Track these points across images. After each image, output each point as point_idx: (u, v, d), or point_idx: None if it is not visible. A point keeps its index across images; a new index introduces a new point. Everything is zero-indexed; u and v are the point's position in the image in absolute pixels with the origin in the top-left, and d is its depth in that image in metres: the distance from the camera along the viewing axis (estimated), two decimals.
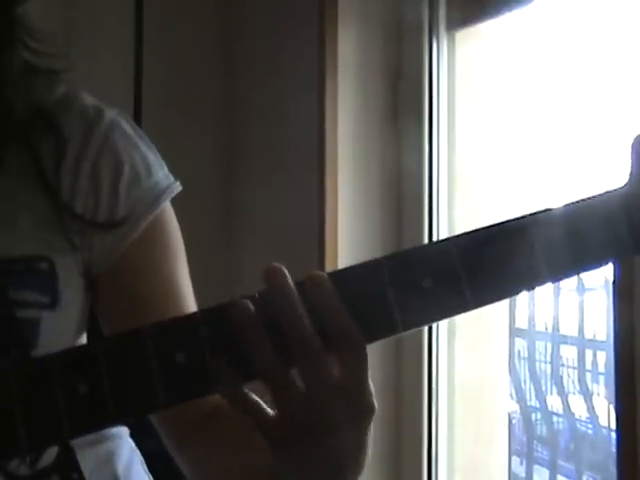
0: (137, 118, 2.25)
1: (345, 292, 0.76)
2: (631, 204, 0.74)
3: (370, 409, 0.77)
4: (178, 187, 1.05)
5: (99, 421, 0.80)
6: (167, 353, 0.77)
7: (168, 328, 0.79)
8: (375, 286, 0.76)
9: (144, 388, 0.78)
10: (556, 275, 0.75)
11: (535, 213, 0.76)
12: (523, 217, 0.76)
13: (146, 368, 0.77)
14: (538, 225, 0.75)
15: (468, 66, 2.00)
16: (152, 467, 1.10)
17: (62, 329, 0.97)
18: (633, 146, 0.74)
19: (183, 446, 1.01)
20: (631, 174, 0.74)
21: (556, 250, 0.74)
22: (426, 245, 0.80)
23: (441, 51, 1.96)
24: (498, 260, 0.75)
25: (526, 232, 0.75)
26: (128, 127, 1.04)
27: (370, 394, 0.77)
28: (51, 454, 0.89)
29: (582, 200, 0.75)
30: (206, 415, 0.96)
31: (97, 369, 0.78)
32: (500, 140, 2.03)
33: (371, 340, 0.77)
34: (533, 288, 0.76)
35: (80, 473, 0.90)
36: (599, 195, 0.75)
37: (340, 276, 0.78)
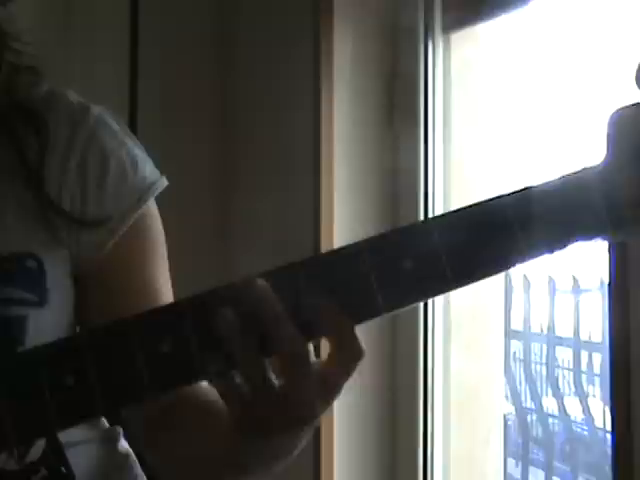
0: (133, 123, 2.25)
1: (326, 275, 0.77)
2: (607, 181, 0.74)
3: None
4: (165, 182, 1.05)
5: (86, 412, 0.79)
6: (153, 343, 0.77)
7: (154, 317, 0.79)
8: (356, 268, 0.76)
9: (130, 378, 0.78)
10: (535, 253, 0.76)
11: (513, 192, 0.76)
12: (502, 196, 0.77)
13: (132, 358, 0.77)
14: (516, 204, 0.76)
15: (464, 68, 2.00)
16: (146, 468, 1.10)
17: (50, 326, 0.96)
18: (609, 123, 0.74)
19: (149, 433, 1.01)
20: (607, 151, 0.75)
21: (536, 227, 0.75)
22: (407, 226, 0.79)
23: (437, 53, 1.96)
24: (477, 240, 0.76)
25: (505, 211, 0.76)
26: (113, 123, 1.05)
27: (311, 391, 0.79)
28: (39, 448, 0.89)
29: (559, 178, 0.76)
30: (173, 403, 0.97)
31: (83, 360, 0.78)
32: (496, 141, 2.03)
33: (354, 323, 0.77)
34: (512, 267, 0.76)
35: (68, 467, 0.90)
36: (576, 172, 0.76)
37: (321, 260, 0.78)
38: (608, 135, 0.74)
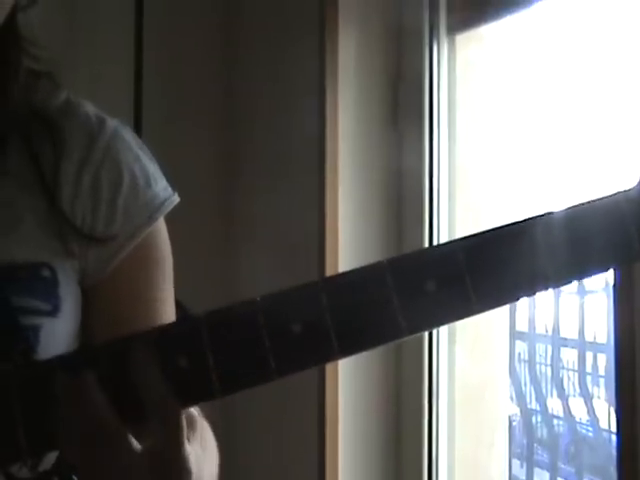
0: (137, 124, 2.25)
1: (347, 296, 0.76)
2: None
3: (186, 473, 0.79)
4: (176, 199, 1.05)
5: None
6: (169, 357, 0.77)
7: (169, 332, 0.79)
8: (378, 290, 0.75)
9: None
10: (564, 279, 0.74)
11: (542, 215, 0.75)
12: (530, 219, 0.75)
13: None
14: (545, 227, 0.74)
15: (468, 69, 2.00)
16: None
17: (63, 336, 0.97)
18: None
19: None
20: None
21: (564, 253, 0.73)
22: (430, 248, 0.79)
23: (441, 54, 1.96)
24: (505, 263, 0.74)
25: (534, 234, 0.74)
26: (129, 137, 1.04)
27: (185, 460, 0.78)
28: (52, 457, 0.89)
29: (590, 202, 0.74)
30: None
31: (97, 373, 0.77)
32: (500, 143, 2.03)
33: (375, 345, 0.76)
34: (540, 292, 0.75)
35: None
36: (607, 197, 0.74)
37: (342, 279, 0.78)
38: None
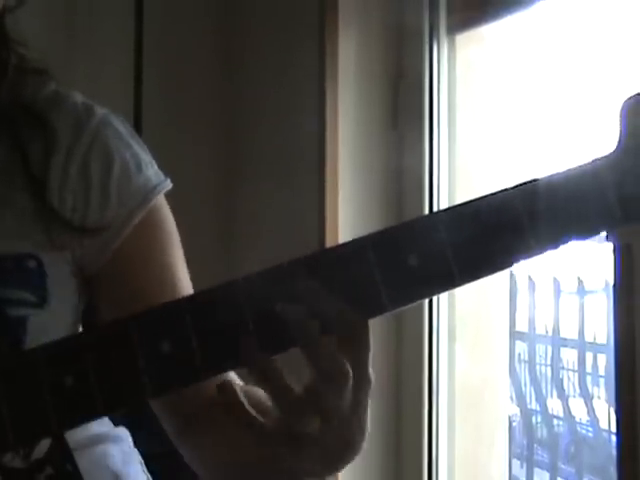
0: (137, 125, 2.25)
1: (330, 272, 0.76)
2: (619, 171, 0.73)
3: (369, 383, 0.77)
4: (169, 184, 1.05)
5: (86, 414, 0.79)
6: (152, 343, 0.77)
7: (152, 317, 0.78)
8: (360, 265, 0.75)
9: (130, 380, 0.77)
10: (545, 246, 0.74)
11: (522, 184, 0.75)
12: (509, 189, 0.75)
13: (132, 359, 0.77)
14: (525, 196, 0.74)
15: (469, 69, 2.00)
16: (152, 469, 1.10)
17: (51, 327, 0.96)
18: (622, 111, 0.73)
19: (184, 435, 1.01)
20: (619, 140, 0.73)
21: (544, 221, 0.73)
22: (411, 221, 0.78)
23: (442, 55, 1.96)
24: (485, 233, 0.74)
25: (513, 204, 0.74)
26: (118, 124, 1.04)
27: (368, 371, 0.77)
28: (44, 446, 0.89)
29: (569, 169, 0.74)
30: (206, 405, 0.96)
31: (83, 361, 0.77)
32: (501, 143, 2.03)
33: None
34: (521, 262, 0.75)
35: (74, 464, 0.90)
36: (587, 163, 0.74)
37: (324, 256, 0.77)
38: (621, 122, 0.73)
